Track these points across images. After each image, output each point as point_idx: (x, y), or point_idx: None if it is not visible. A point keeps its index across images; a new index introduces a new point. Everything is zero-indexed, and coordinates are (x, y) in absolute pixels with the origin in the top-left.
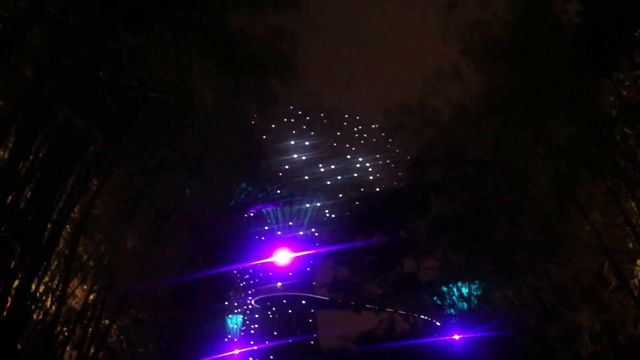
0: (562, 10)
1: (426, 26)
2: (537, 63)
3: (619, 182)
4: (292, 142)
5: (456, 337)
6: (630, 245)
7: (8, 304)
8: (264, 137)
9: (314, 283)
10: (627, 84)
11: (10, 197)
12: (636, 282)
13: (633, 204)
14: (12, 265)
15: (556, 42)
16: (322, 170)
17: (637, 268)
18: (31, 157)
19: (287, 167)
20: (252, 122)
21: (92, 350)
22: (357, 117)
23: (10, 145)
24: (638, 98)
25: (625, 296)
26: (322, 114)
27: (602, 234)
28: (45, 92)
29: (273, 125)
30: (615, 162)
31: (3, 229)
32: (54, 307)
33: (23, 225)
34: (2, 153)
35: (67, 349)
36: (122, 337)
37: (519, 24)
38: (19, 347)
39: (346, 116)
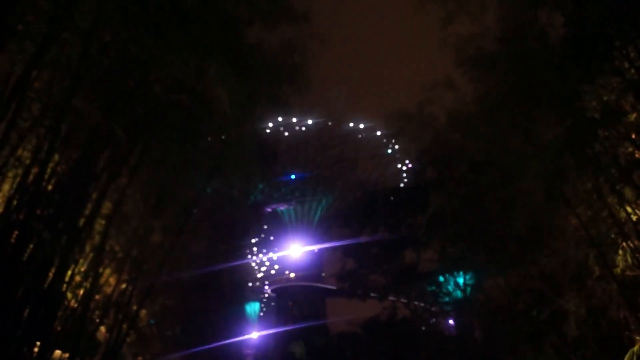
0: (548, 23)
1: (425, 38)
2: (525, 71)
3: (603, 178)
4: (303, 148)
5: (451, 322)
6: (613, 236)
7: (43, 290)
8: (279, 141)
9: (323, 274)
10: (608, 88)
11: (43, 192)
12: (618, 270)
13: (615, 199)
14: (44, 254)
15: (543, 52)
16: (330, 173)
17: (619, 258)
18: (63, 159)
19: (298, 170)
20: (267, 130)
21: (123, 332)
22: (362, 125)
23: (45, 148)
24: (618, 102)
25: (609, 284)
26: (330, 123)
27: (588, 227)
28: (77, 98)
29: (286, 133)
30: (598, 160)
31: (35, 221)
32: (87, 294)
33: (55, 218)
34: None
35: (103, 330)
36: (152, 322)
37: (509, 37)
38: (59, 328)
39: (351, 124)
